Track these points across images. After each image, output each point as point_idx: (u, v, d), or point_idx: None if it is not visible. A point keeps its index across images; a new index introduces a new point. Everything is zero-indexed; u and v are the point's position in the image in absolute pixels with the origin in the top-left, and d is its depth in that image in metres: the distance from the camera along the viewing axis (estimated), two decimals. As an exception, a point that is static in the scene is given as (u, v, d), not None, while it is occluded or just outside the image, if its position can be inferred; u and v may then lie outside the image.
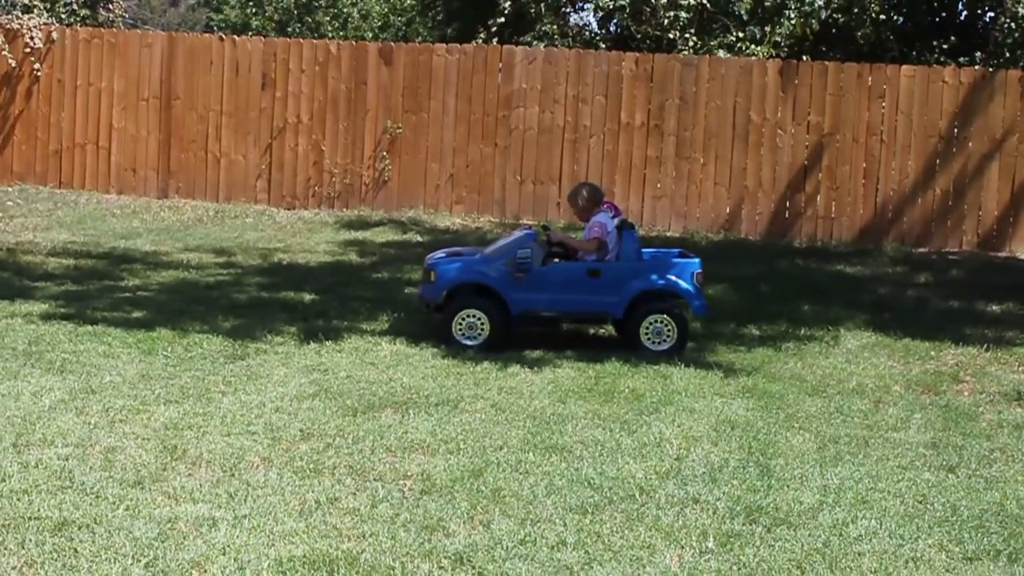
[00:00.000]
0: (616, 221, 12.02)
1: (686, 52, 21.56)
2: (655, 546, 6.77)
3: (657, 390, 10.20)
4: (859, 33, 22.91)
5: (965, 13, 24.23)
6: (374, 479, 7.70)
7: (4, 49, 20.54)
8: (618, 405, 9.71)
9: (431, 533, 6.82)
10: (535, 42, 23.43)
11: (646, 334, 11.68)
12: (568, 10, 25.73)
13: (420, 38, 29.14)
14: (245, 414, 8.98)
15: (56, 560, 6.21)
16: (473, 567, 6.40)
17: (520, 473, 7.91)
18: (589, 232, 11.91)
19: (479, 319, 11.63)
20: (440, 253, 12.34)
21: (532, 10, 24.09)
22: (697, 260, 12.11)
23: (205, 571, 6.19)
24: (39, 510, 6.84)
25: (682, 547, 6.79)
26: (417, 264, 16.01)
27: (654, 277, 11.81)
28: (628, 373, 10.78)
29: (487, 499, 7.39)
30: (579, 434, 8.85)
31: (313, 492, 7.38)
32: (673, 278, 11.82)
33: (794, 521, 7.24)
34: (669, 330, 11.71)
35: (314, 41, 20.94)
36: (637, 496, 7.56)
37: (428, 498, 7.38)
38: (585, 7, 25.88)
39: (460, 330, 11.62)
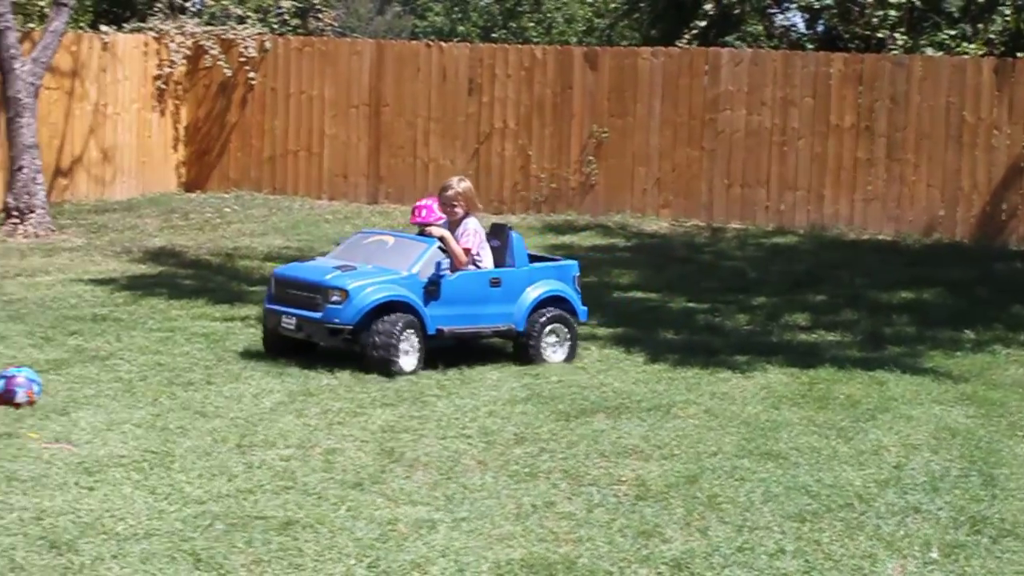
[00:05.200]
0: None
1: (896, 51, 21.17)
2: (876, 556, 6.67)
3: (873, 397, 10.04)
4: (1079, 28, 22.21)
5: None
6: (589, 484, 7.72)
7: (220, 59, 21.11)
8: (833, 412, 9.58)
9: (648, 539, 6.81)
10: (740, 43, 23.23)
11: (545, 344, 10.98)
12: (774, 11, 25.46)
13: (625, 41, 29.11)
14: (460, 418, 9.08)
15: (282, 559, 6.35)
16: (691, 574, 6.38)
17: (735, 480, 7.86)
18: (463, 237, 10.81)
19: (417, 343, 10.46)
20: (329, 267, 10.70)
21: (737, 11, 23.90)
22: (575, 263, 11.55)
23: (426, 572, 6.28)
24: (264, 510, 7.02)
25: (904, 557, 6.67)
26: (626, 268, 16.02)
27: (549, 283, 11.10)
28: (842, 379, 10.62)
29: (703, 505, 7.36)
30: (794, 441, 8.75)
31: (529, 496, 7.43)
32: (562, 284, 11.21)
33: (1021, 532, 7.06)
34: (567, 338, 11.09)
35: (520, 46, 21.08)
36: (856, 504, 7.45)
37: (643, 503, 7.38)
38: (791, 7, 25.56)
39: (404, 352, 10.35)
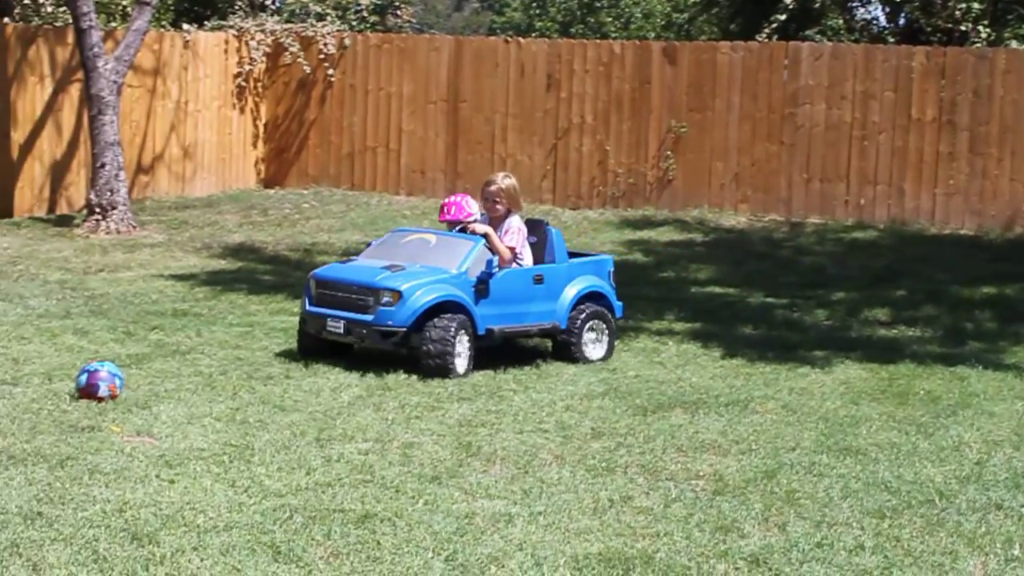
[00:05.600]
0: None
1: (979, 44, 20.92)
2: (957, 552, 6.60)
3: (954, 392, 9.93)
4: None
5: None
6: (666, 478, 7.70)
7: (300, 56, 21.25)
8: (913, 407, 9.49)
9: (725, 534, 6.78)
10: (820, 37, 23.07)
11: (586, 341, 10.72)
12: (854, 4, 25.28)
13: (703, 36, 29.02)
14: (537, 412, 9.09)
15: (360, 552, 6.38)
16: (769, 569, 6.34)
17: (814, 475, 7.81)
18: (508, 236, 10.52)
19: (468, 344, 10.20)
20: (377, 268, 10.31)
21: (817, 5, 23.74)
22: (610, 258, 11.31)
23: (503, 566, 6.27)
24: (343, 503, 7.05)
25: (986, 554, 6.59)
26: (703, 263, 15.97)
27: (588, 279, 10.87)
28: (922, 375, 10.53)
29: (781, 501, 7.32)
30: (873, 436, 8.68)
31: (606, 490, 7.42)
32: (600, 280, 10.96)
33: (1105, 530, 6.96)
34: (605, 334, 10.84)
35: (598, 41, 21.05)
36: (936, 501, 7.37)
37: (721, 499, 7.34)
38: (872, 1, 25.37)
39: (458, 354, 10.05)
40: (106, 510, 6.81)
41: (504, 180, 10.68)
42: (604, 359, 10.78)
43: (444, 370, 9.93)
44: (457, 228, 10.68)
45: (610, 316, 10.96)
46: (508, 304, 10.42)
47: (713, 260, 16.19)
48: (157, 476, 7.40)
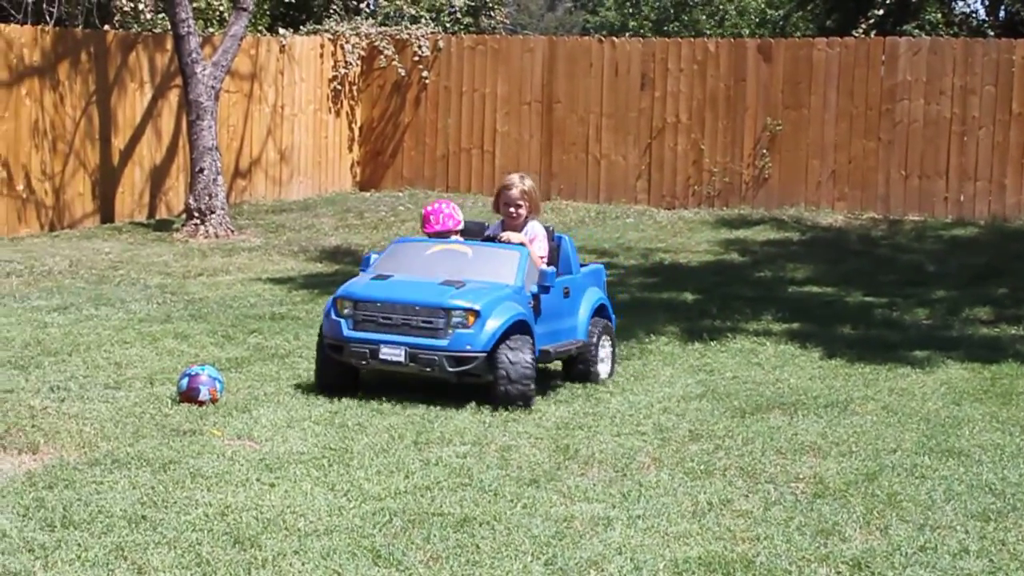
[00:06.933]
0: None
1: (1081, 37, 20.59)
2: (1065, 557, 6.49)
3: (1059, 392, 9.78)
4: None
5: None
6: (766, 481, 7.64)
7: (395, 59, 21.36)
8: (1017, 408, 9.35)
9: (826, 537, 6.72)
10: (918, 32, 22.81)
11: (599, 358, 9.91)
12: (953, -2, 25.01)
13: (799, 32, 28.80)
14: (634, 414, 9.05)
15: (460, 555, 6.39)
16: (872, 573, 6.27)
17: (916, 477, 7.71)
18: (535, 243, 9.61)
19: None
20: (435, 284, 9.18)
21: (914, -1, 23.52)
22: (602, 267, 10.50)
23: (602, 570, 6.26)
24: (441, 506, 7.06)
25: (1094, 558, 6.48)
26: (801, 262, 15.84)
27: (596, 291, 10.05)
28: (1026, 374, 10.38)
29: (883, 503, 7.23)
30: (976, 438, 8.56)
31: (705, 493, 7.37)
32: (602, 292, 10.15)
33: None
34: (610, 351, 10.06)
35: (692, 40, 20.96)
36: (1043, 503, 7.27)
37: (821, 501, 7.27)
38: (971, -6, 25.09)
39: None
40: (208, 514, 6.87)
41: (524, 181, 9.80)
42: (609, 377, 10.04)
43: (526, 398, 9.04)
44: (461, 237, 9.89)
45: (612, 329, 10.25)
46: (550, 321, 9.48)
47: (810, 259, 16.07)
48: (258, 480, 7.46)
